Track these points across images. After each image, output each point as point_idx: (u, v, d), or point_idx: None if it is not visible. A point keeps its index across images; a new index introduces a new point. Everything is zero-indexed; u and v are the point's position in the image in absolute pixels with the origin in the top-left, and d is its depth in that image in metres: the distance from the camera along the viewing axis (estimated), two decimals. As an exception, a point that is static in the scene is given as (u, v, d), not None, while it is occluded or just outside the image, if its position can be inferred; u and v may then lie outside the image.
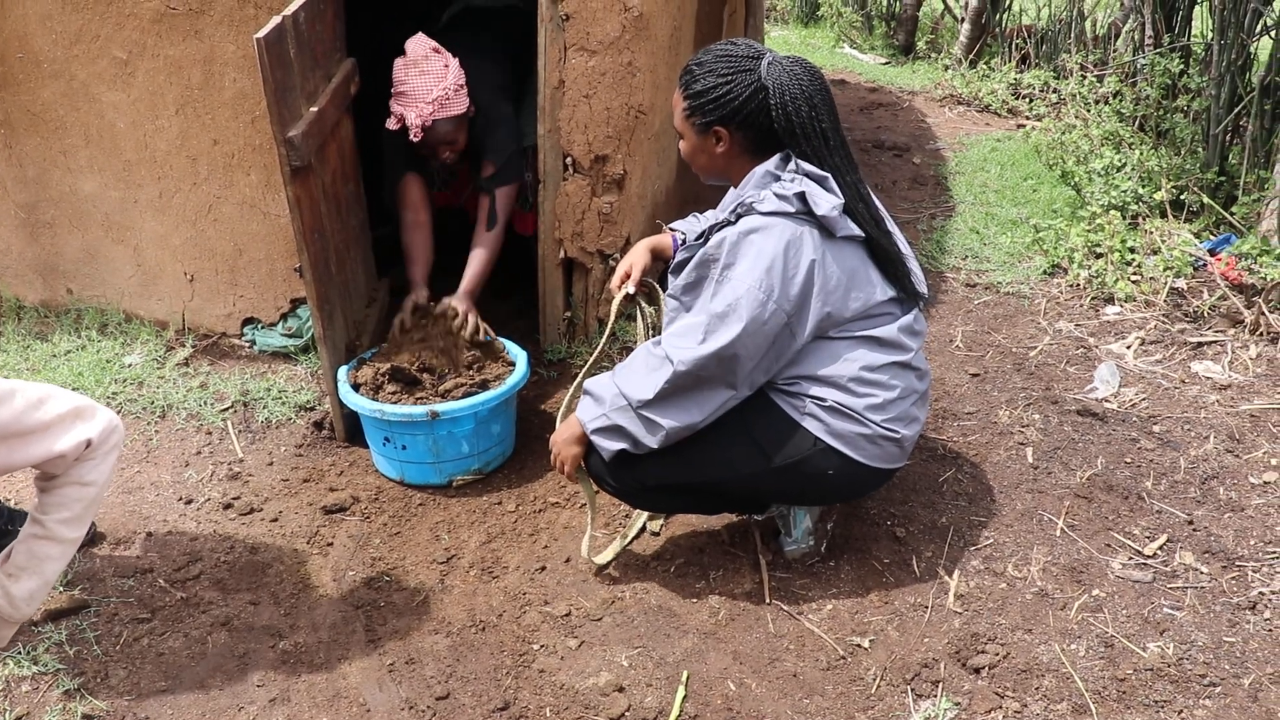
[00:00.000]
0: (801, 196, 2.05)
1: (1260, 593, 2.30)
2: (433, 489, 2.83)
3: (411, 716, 2.08)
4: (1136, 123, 4.96)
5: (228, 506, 2.75)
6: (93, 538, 2.59)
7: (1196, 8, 5.00)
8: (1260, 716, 1.99)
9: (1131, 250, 3.84)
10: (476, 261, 3.12)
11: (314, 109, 2.67)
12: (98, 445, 1.90)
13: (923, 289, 2.27)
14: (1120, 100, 5.10)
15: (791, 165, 2.12)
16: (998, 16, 6.92)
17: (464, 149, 3.15)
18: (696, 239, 2.30)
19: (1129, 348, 3.36)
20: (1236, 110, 4.17)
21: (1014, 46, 6.79)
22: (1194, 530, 2.51)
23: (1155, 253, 3.82)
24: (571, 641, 2.25)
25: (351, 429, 3.00)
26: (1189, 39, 4.87)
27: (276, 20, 2.45)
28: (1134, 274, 3.74)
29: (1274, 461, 2.75)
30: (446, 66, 2.96)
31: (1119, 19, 5.76)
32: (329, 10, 2.82)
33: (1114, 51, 5.62)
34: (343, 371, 2.89)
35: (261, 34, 2.37)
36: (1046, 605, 2.30)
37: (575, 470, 2.32)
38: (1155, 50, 4.83)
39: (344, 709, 2.10)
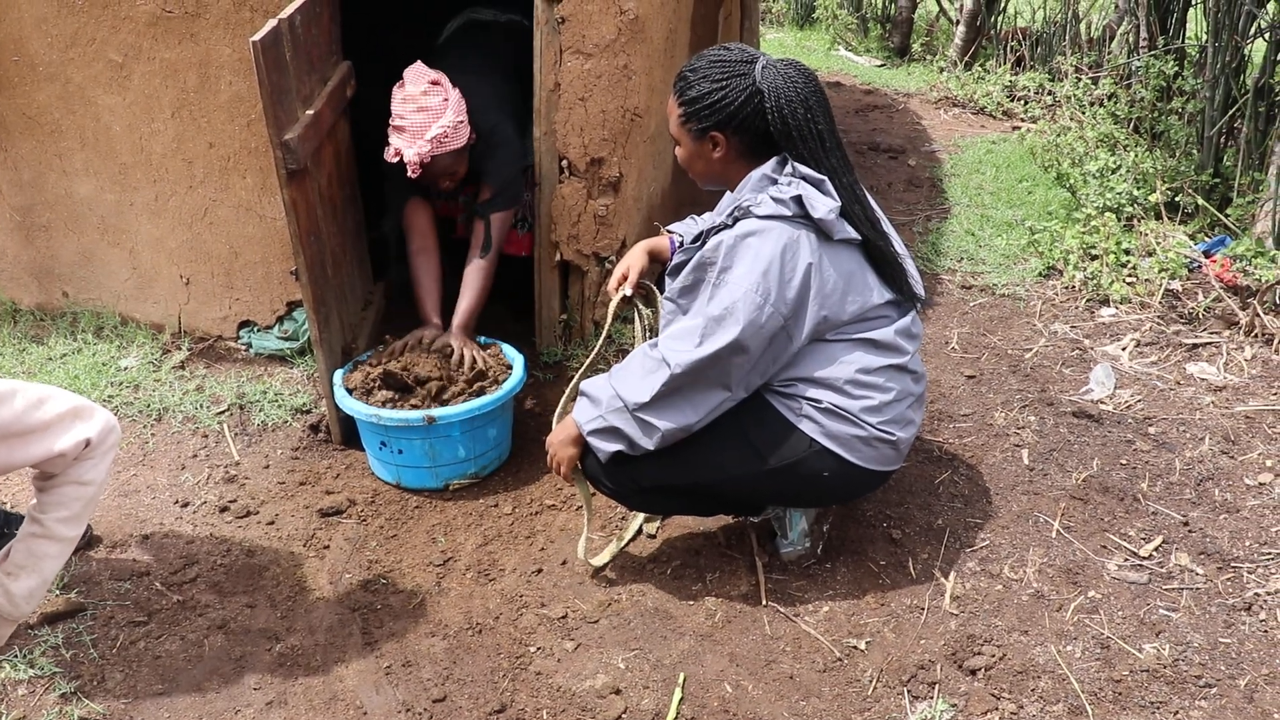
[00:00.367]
0: (798, 200, 2.05)
1: (1256, 594, 2.31)
2: (429, 492, 2.83)
3: (408, 719, 2.08)
4: (1131, 125, 4.98)
5: (224, 509, 2.75)
6: (89, 540, 2.58)
7: (1191, 10, 5.02)
8: (1256, 717, 2.00)
9: (1127, 252, 3.85)
10: (470, 292, 3.04)
11: (310, 112, 2.67)
12: (96, 445, 1.92)
13: (919, 291, 2.27)
14: (1115, 102, 5.12)
15: (788, 168, 2.12)
16: (993, 19, 6.93)
17: (465, 175, 3.08)
18: (693, 242, 2.31)
19: (1124, 349, 3.36)
20: (1231, 112, 4.18)
21: (1009, 49, 6.81)
22: (1189, 532, 2.52)
23: (1150, 255, 3.83)
24: (568, 644, 2.26)
25: (348, 432, 3.00)
26: (1183, 41, 4.89)
27: (272, 23, 2.45)
28: (1129, 276, 3.75)
29: (1269, 463, 2.76)
30: (446, 100, 2.84)
31: (1114, 21, 5.76)
32: (324, 13, 2.82)
33: (1109, 54, 5.63)
34: (338, 375, 2.88)
35: (257, 37, 2.37)
36: (1042, 607, 2.30)
37: (571, 471, 2.32)
38: (1150, 53, 4.85)
39: (341, 711, 2.10)
